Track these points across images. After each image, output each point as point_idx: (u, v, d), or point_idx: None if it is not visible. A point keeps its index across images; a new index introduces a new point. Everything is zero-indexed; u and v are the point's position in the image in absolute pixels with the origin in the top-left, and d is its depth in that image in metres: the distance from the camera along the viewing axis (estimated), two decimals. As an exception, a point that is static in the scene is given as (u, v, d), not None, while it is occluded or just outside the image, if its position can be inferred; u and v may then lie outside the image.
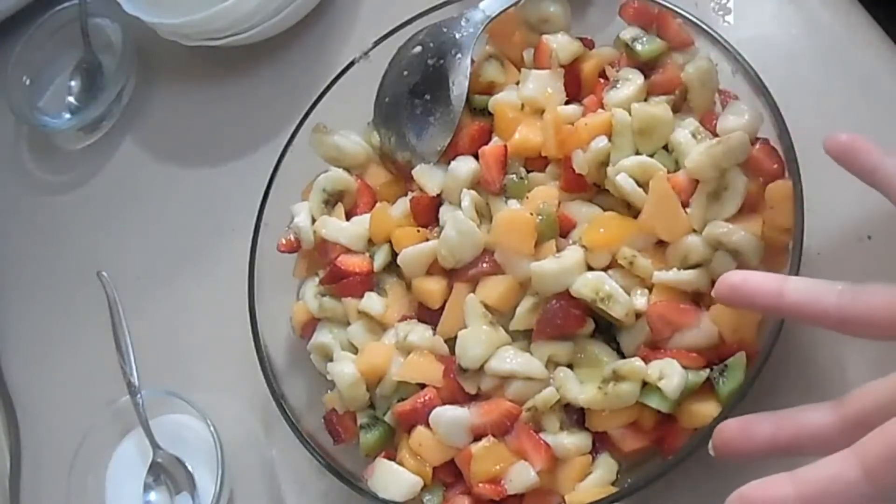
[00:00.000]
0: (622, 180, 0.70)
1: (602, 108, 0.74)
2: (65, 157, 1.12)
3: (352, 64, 0.86)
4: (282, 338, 0.83)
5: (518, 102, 0.78)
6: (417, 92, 0.82)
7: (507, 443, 0.70)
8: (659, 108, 0.72)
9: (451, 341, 0.73)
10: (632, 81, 0.75)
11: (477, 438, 0.70)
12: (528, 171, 0.77)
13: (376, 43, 0.85)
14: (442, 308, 0.75)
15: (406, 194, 0.81)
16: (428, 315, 0.76)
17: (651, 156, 0.72)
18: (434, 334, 0.75)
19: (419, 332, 0.75)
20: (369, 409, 0.77)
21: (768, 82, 0.70)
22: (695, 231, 0.69)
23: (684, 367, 0.65)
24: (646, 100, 0.75)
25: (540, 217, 0.71)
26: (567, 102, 0.77)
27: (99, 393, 0.92)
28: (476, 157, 0.77)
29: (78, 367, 0.99)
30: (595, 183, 0.73)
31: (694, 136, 0.71)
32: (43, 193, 1.11)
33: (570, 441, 0.69)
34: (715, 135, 0.72)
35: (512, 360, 0.70)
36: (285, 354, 0.83)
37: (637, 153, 0.72)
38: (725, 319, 0.67)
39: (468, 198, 0.75)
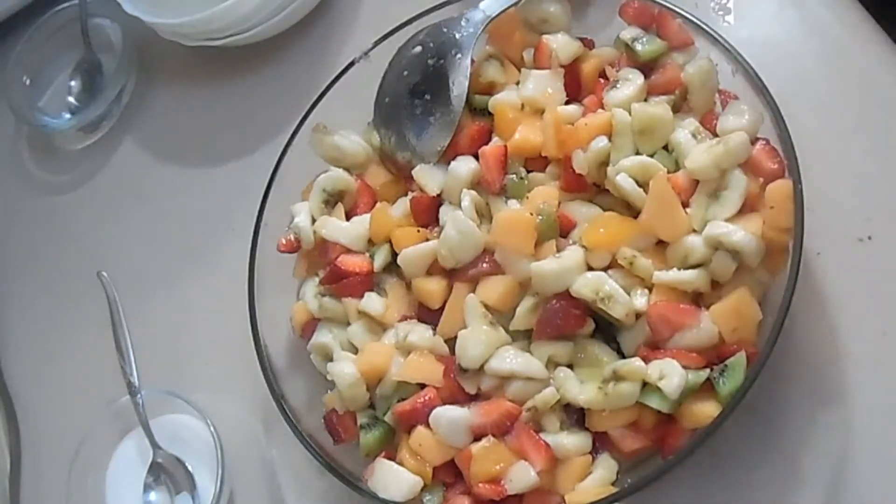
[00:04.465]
0: (622, 180, 0.70)
1: (602, 108, 0.74)
2: (65, 157, 1.12)
3: (352, 64, 0.86)
4: (282, 338, 0.83)
5: (518, 102, 0.78)
6: (417, 92, 0.82)
7: (507, 443, 0.70)
8: (659, 108, 0.72)
9: (451, 341, 0.73)
10: (632, 81, 0.75)
11: (477, 438, 0.70)
12: (528, 171, 0.77)
13: (376, 43, 0.85)
14: (442, 308, 0.75)
15: (406, 194, 0.81)
16: (428, 315, 0.76)
17: (651, 156, 0.72)
18: (434, 334, 0.75)
19: (419, 332, 0.75)
20: (369, 409, 0.77)
21: (768, 82, 0.70)
22: (695, 231, 0.69)
23: (684, 367, 0.65)
24: (646, 100, 0.75)
25: (540, 217, 0.71)
26: (567, 102, 0.77)
27: (99, 393, 0.92)
28: (476, 157, 0.77)
29: (78, 367, 0.99)
30: (595, 183, 0.73)
31: (694, 136, 0.71)
32: (43, 193, 1.11)
33: (570, 441, 0.69)
34: (715, 135, 0.72)
35: (512, 360, 0.70)
36: (285, 354, 0.82)
37: (637, 153, 0.72)
38: (725, 319, 0.67)
39: (468, 198, 0.75)
